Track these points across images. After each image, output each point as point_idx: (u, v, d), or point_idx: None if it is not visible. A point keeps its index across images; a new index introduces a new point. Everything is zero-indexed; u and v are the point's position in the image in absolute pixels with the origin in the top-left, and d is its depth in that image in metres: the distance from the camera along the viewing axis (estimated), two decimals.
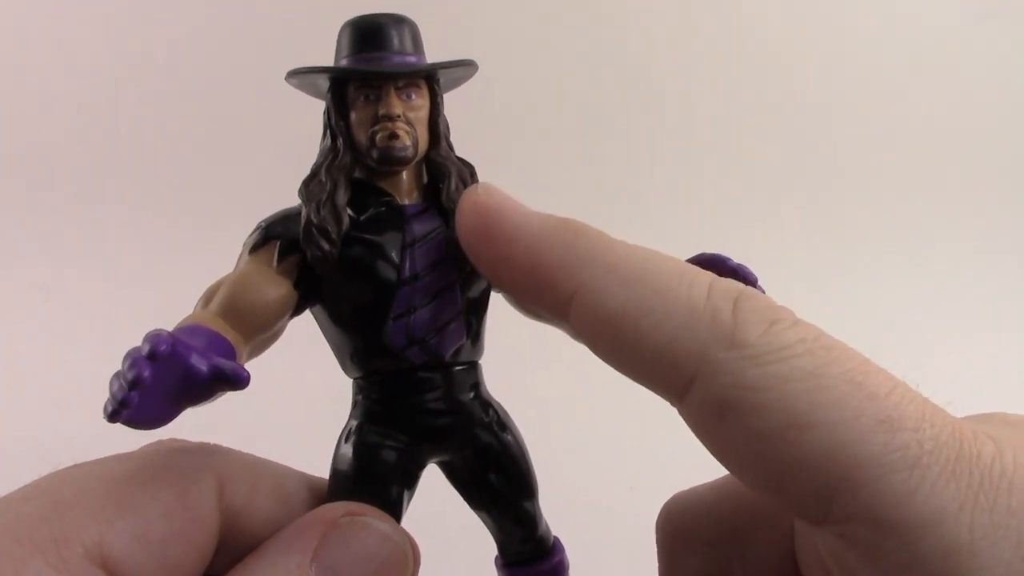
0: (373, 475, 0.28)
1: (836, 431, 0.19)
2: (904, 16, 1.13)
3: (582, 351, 0.24)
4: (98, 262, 0.93)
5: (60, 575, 0.21)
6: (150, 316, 0.30)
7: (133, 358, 0.20)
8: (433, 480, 0.31)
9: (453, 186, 0.29)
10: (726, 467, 0.22)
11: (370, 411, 0.29)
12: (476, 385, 0.30)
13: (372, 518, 0.25)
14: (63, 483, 0.23)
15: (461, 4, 1.01)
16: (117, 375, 0.21)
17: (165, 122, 1.02)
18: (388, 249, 0.28)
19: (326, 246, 0.27)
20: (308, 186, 0.28)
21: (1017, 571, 0.18)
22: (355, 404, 0.29)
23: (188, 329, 0.24)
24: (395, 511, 0.28)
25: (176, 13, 1.02)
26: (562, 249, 0.23)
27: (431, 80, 0.29)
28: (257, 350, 0.27)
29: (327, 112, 0.29)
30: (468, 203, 0.25)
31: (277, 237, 0.28)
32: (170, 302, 0.31)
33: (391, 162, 0.28)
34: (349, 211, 0.28)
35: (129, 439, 0.25)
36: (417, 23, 0.30)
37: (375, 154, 0.28)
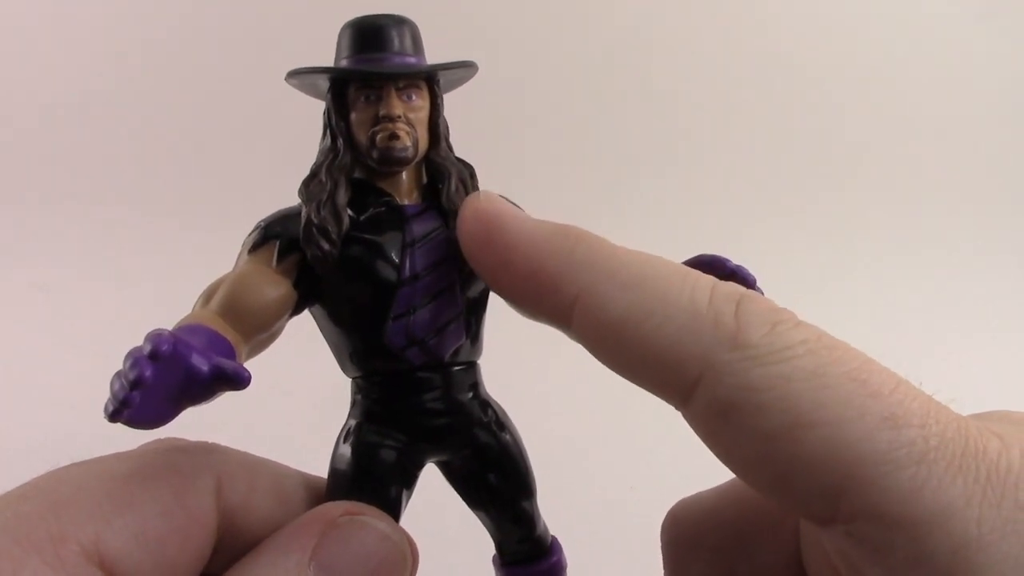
0: (372, 475, 0.28)
1: (841, 429, 0.19)
2: (904, 15, 1.13)
3: (581, 351, 0.24)
4: (98, 262, 0.93)
5: (57, 574, 0.20)
6: (150, 316, 0.30)
7: (135, 358, 0.20)
8: (432, 479, 0.31)
9: (453, 187, 0.29)
10: (731, 469, 0.22)
11: (369, 411, 0.29)
12: (475, 385, 0.30)
13: (370, 517, 0.25)
14: (61, 482, 0.23)
15: (463, 5, 1.01)
16: (118, 374, 0.20)
17: (166, 122, 1.02)
18: (388, 249, 0.27)
19: (326, 246, 0.27)
20: (308, 186, 0.28)
21: None
22: (354, 404, 0.29)
23: (188, 328, 0.24)
24: (394, 510, 0.28)
25: (177, 13, 1.02)
26: (562, 255, 0.23)
27: (431, 81, 0.29)
28: (256, 349, 0.27)
29: (327, 112, 0.29)
30: (469, 210, 0.25)
31: (276, 237, 0.28)
32: (170, 302, 0.31)
33: (391, 163, 0.28)
34: (349, 211, 0.28)
35: (129, 439, 0.25)
36: (418, 24, 0.30)
37: (375, 154, 0.28)
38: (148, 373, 0.20)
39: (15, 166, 1.00)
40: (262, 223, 0.28)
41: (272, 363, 0.29)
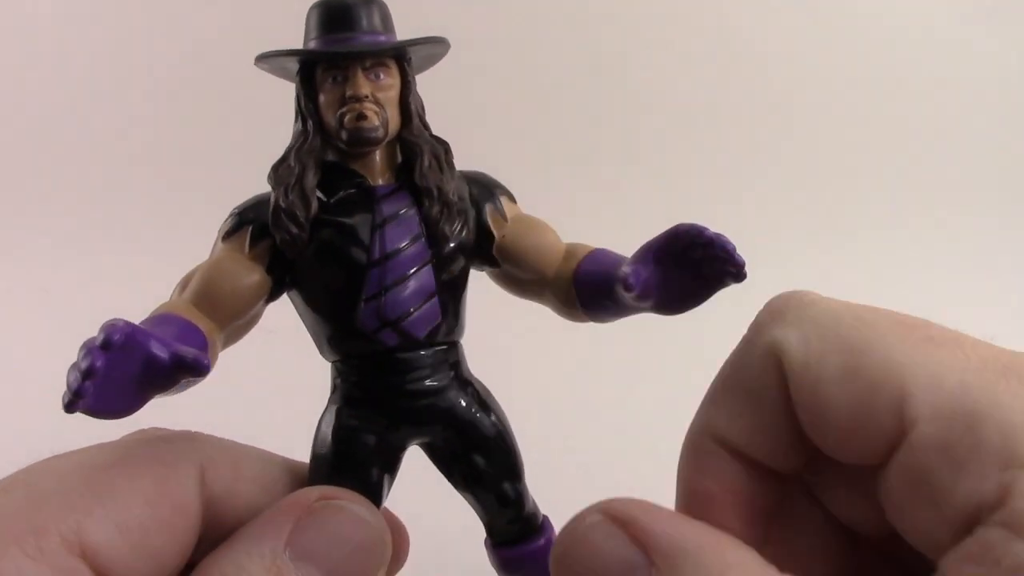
0: (352, 458, 0.28)
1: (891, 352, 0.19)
2: (904, 13, 1.12)
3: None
4: (98, 262, 0.93)
5: (38, 565, 0.20)
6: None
7: (87, 348, 0.20)
8: (422, 461, 0.30)
9: (426, 163, 0.28)
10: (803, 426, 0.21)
11: (349, 394, 0.29)
12: (456, 364, 0.30)
13: (347, 501, 0.25)
14: (41, 474, 0.23)
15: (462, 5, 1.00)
16: (73, 365, 0.20)
17: (166, 124, 1.01)
18: (358, 231, 0.27)
19: (294, 230, 0.27)
20: (277, 170, 0.28)
21: None
22: (334, 388, 0.29)
23: (158, 318, 0.24)
24: (375, 494, 0.28)
25: (178, 13, 1.01)
26: None
27: (401, 59, 0.29)
28: (234, 336, 0.27)
29: (297, 96, 0.29)
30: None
31: (250, 222, 0.28)
32: None
33: (360, 143, 0.28)
34: (319, 194, 0.28)
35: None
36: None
37: (344, 136, 0.27)
38: (99, 363, 0.20)
39: (15, 166, 1.00)
40: (236, 209, 0.28)
41: (254, 349, 0.29)
